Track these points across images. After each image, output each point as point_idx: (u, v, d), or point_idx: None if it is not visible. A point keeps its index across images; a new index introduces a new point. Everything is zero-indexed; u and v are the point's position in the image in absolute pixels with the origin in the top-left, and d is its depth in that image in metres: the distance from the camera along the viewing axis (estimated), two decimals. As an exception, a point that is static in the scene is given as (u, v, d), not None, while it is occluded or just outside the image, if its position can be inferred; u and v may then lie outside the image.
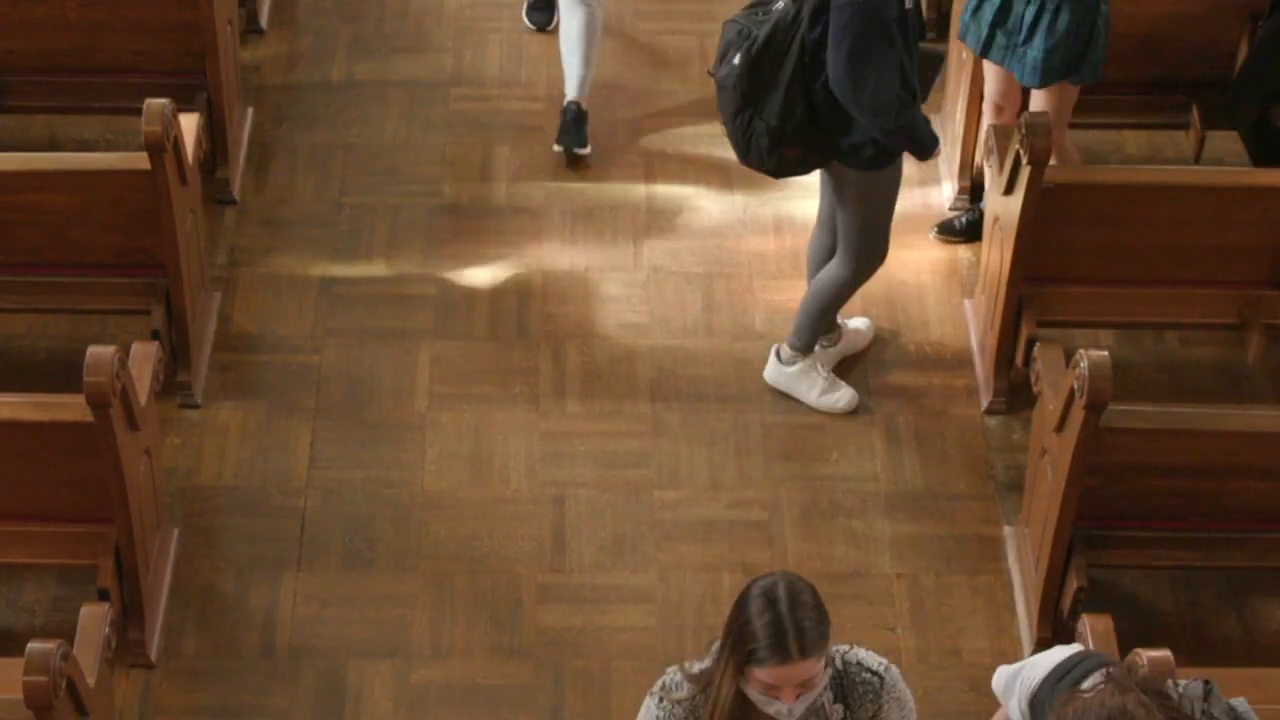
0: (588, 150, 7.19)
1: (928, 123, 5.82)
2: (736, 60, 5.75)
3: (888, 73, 5.60)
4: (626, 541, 6.06)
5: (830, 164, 5.96)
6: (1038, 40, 6.15)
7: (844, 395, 6.40)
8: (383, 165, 7.27)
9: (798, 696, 3.94)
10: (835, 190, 6.03)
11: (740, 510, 6.17)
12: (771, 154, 5.85)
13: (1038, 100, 6.33)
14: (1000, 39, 6.25)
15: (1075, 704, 3.65)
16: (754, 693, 3.95)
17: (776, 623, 3.89)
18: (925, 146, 5.84)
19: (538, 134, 7.36)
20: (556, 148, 7.20)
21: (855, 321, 6.60)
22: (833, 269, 6.21)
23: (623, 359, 6.59)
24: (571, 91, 7.20)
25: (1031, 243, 6.10)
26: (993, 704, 5.68)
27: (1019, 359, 6.31)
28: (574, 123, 7.19)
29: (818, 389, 6.39)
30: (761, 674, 3.91)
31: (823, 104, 5.74)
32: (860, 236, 6.09)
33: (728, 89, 5.81)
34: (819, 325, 6.35)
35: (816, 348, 6.41)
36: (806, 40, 5.65)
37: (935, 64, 5.93)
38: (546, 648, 5.78)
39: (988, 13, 6.24)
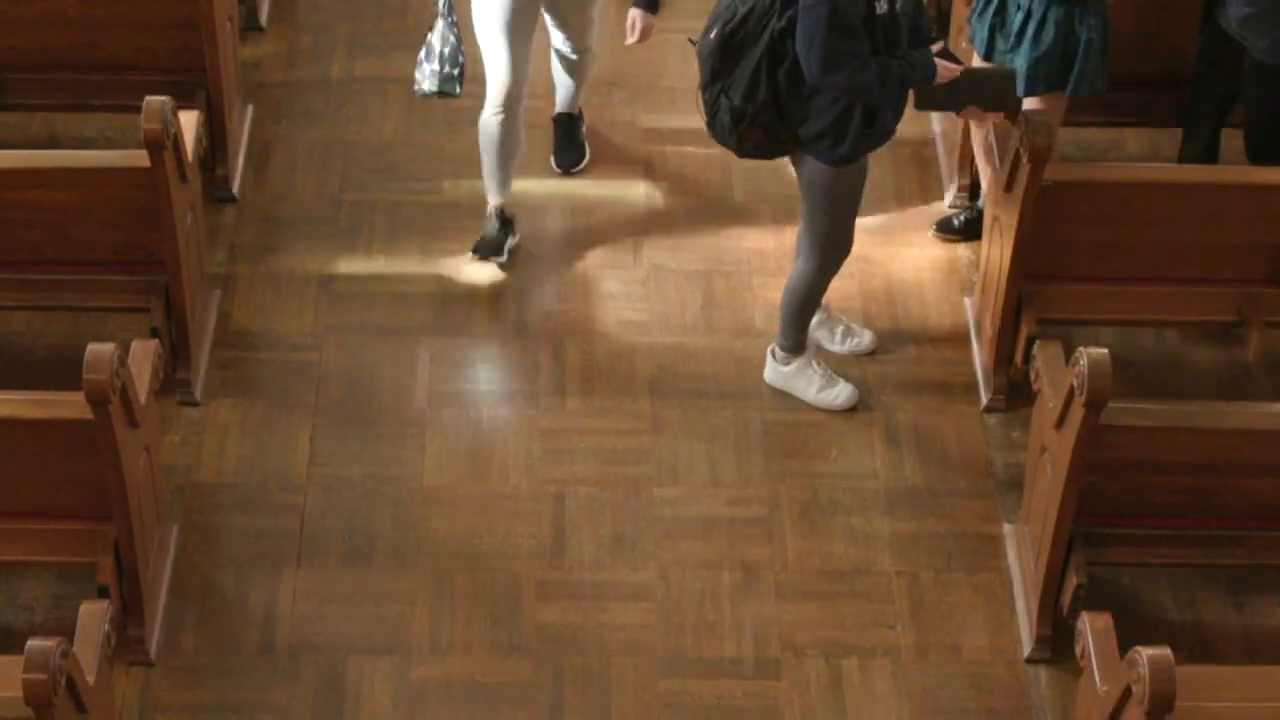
0: (585, 163, 7.21)
1: (909, 63, 5.77)
2: (713, 34, 5.81)
3: (860, 62, 5.65)
4: (626, 539, 6.06)
5: (794, 153, 5.98)
6: (1024, 49, 6.19)
7: (842, 391, 6.40)
8: (382, 162, 7.27)
9: None
10: (800, 182, 6.05)
11: (740, 507, 6.17)
12: (733, 132, 5.92)
13: (1028, 103, 6.34)
14: (999, 42, 6.28)
15: None
16: None
17: None
18: (928, 80, 5.85)
19: (537, 131, 7.35)
20: (555, 166, 7.20)
21: (862, 336, 6.60)
22: (799, 266, 6.23)
23: (622, 356, 6.58)
24: (561, 105, 7.21)
25: (1031, 240, 6.11)
26: (992, 701, 5.70)
27: (1018, 356, 6.31)
28: (567, 135, 7.20)
29: (815, 385, 6.39)
30: None
31: (786, 90, 5.79)
32: (824, 230, 6.11)
33: (702, 61, 5.86)
34: (801, 323, 6.35)
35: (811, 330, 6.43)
36: (775, 28, 5.69)
37: (1007, 83, 6.00)
38: (546, 645, 5.78)
39: (988, 16, 6.27)
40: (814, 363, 6.41)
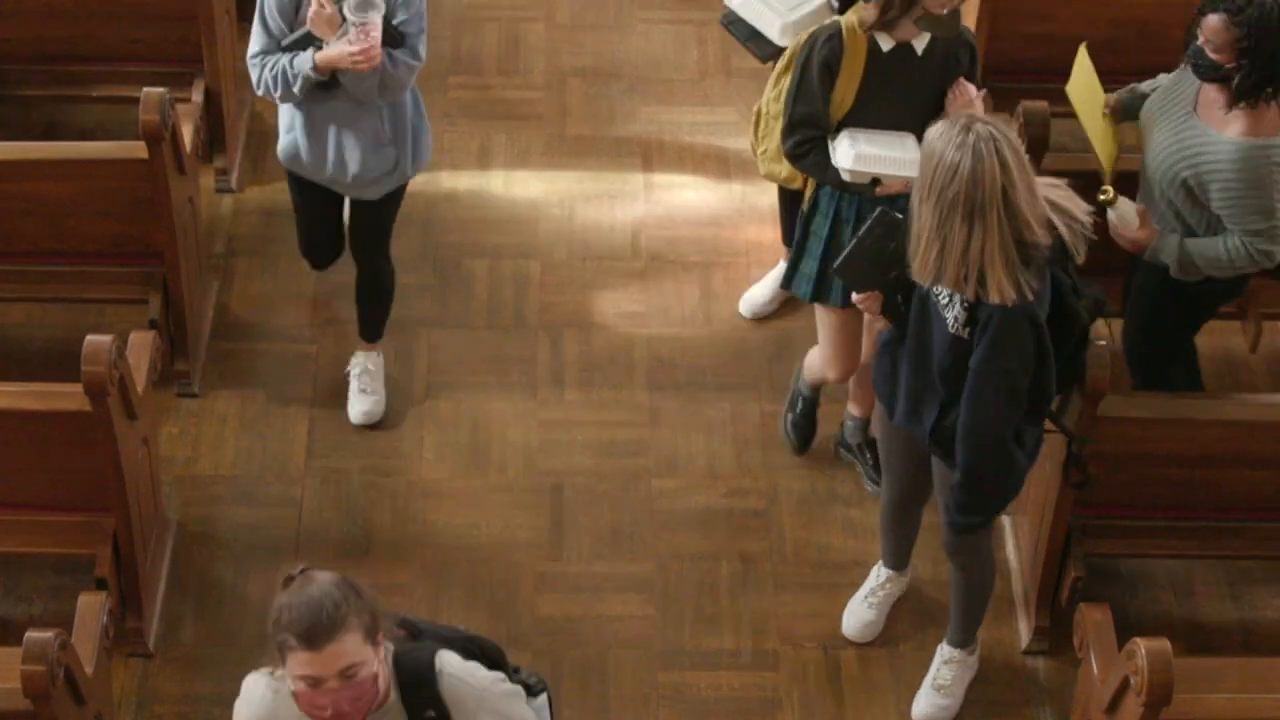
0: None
1: None
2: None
3: None
4: (624, 530, 6.06)
5: None
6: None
7: (852, 622, 5.82)
8: (380, 154, 7.25)
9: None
10: None
11: (738, 499, 6.17)
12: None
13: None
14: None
15: None
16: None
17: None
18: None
19: (535, 122, 7.36)
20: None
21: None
22: None
23: (621, 348, 6.58)
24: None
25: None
26: (990, 692, 5.70)
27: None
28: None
29: (863, 589, 5.87)
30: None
31: None
32: None
33: None
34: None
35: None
36: None
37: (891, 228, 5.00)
38: (544, 637, 5.78)
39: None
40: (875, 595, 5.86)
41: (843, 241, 5.51)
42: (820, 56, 5.37)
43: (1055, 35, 6.74)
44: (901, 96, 5.39)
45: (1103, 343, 5.25)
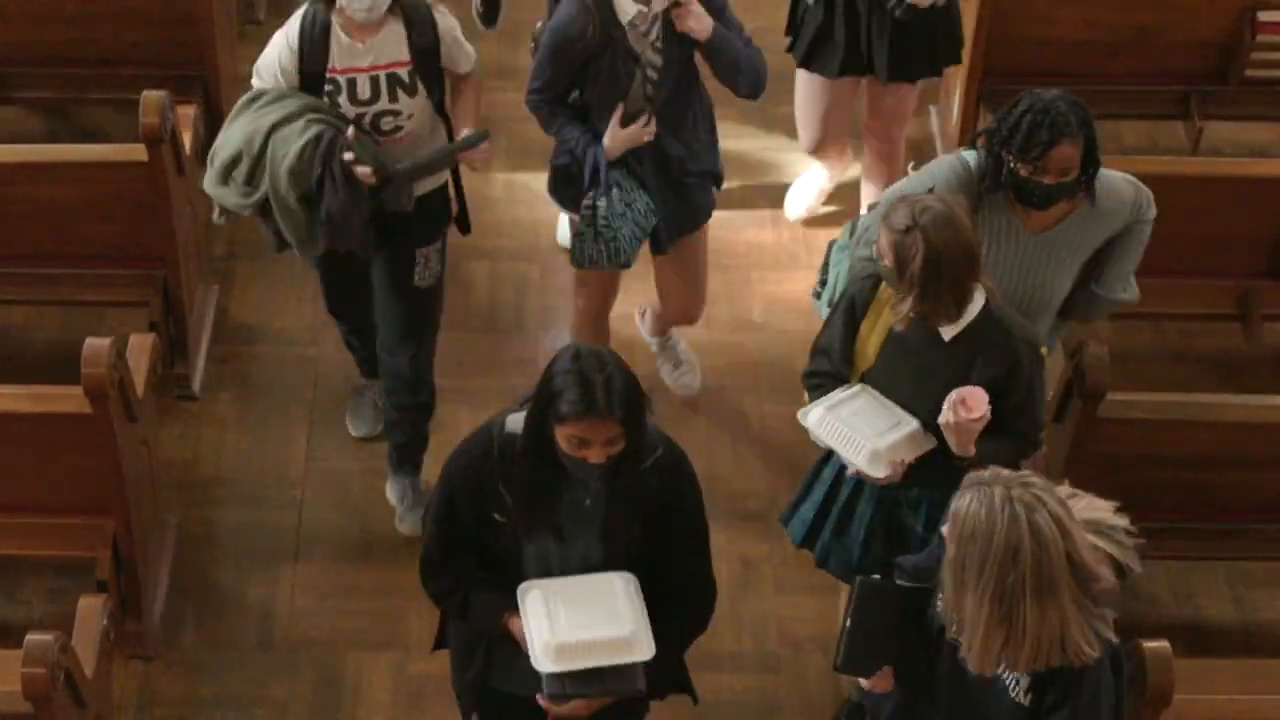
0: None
1: None
2: None
3: None
4: (624, 533, 6.05)
5: None
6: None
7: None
8: (380, 157, 7.25)
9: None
10: None
11: (738, 501, 6.16)
12: None
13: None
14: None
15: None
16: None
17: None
18: None
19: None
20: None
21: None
22: None
23: (620, 351, 6.51)
24: None
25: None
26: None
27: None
28: None
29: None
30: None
31: None
32: None
33: None
34: None
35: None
36: None
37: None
38: (545, 639, 5.77)
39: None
40: None
41: (838, 498, 5.09)
42: (849, 294, 4.90)
43: (1055, 39, 6.75)
44: (919, 376, 4.81)
45: (1102, 344, 5.25)
